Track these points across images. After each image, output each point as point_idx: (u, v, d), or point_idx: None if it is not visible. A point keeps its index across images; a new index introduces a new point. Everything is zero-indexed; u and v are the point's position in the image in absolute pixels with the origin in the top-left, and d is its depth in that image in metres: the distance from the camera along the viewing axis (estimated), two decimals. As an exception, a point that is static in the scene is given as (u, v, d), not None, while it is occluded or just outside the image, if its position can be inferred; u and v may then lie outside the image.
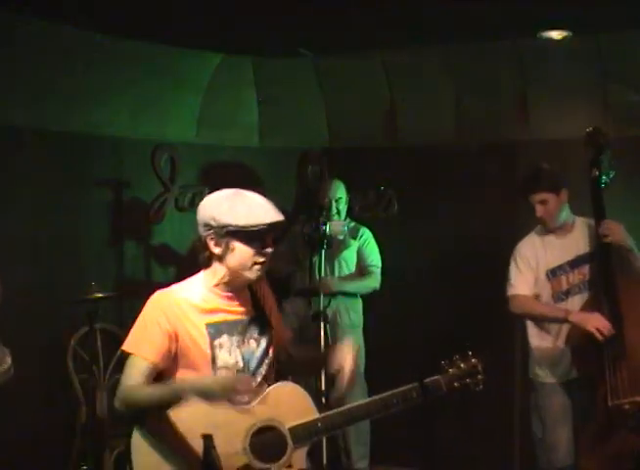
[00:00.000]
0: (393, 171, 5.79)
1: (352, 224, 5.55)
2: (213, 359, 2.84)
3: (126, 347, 2.88)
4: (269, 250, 2.83)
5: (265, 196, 6.15)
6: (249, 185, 6.08)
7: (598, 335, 3.93)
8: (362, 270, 5.48)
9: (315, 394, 4.94)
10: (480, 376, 3.05)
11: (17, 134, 5.09)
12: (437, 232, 5.68)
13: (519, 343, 5.43)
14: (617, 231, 4.05)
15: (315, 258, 5.08)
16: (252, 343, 2.92)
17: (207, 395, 2.69)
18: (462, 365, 3.05)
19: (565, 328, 4.17)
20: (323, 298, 4.99)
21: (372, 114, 5.89)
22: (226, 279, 2.87)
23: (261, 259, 2.83)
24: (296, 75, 5.87)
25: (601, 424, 4.02)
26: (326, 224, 5.02)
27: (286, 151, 6.02)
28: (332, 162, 5.96)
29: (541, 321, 4.25)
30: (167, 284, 5.81)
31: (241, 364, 2.86)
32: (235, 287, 2.90)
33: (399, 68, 5.70)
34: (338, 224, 5.26)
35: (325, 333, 4.95)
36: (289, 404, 2.84)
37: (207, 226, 2.89)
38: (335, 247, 5.17)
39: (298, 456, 2.81)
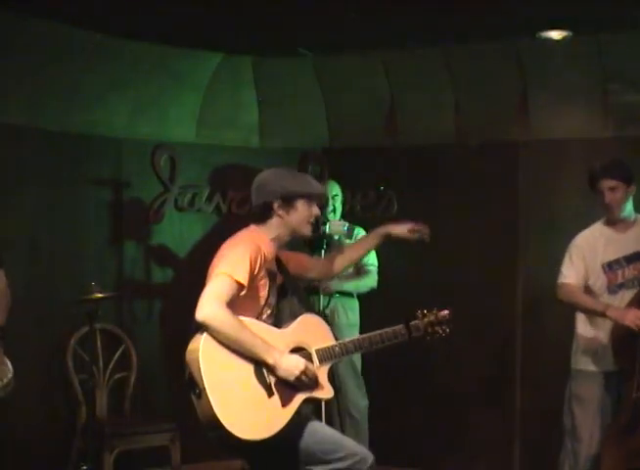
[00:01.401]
0: (393, 171, 5.79)
1: (347, 224, 5.54)
2: (267, 298, 3.45)
3: (225, 270, 3.31)
4: (318, 213, 3.56)
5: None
6: (249, 185, 6.13)
7: (635, 327, 3.98)
8: (359, 270, 5.48)
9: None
10: (448, 325, 3.63)
11: (16, 134, 5.10)
12: (437, 232, 5.67)
13: (519, 343, 5.44)
14: None
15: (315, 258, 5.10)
16: (275, 293, 3.52)
17: (283, 372, 3.26)
18: (433, 316, 3.63)
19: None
20: (322, 297, 5.01)
21: (372, 114, 5.89)
22: (281, 235, 3.50)
23: (313, 220, 3.54)
24: (296, 75, 5.87)
25: (628, 417, 4.05)
26: (326, 224, 5.03)
27: (286, 151, 6.01)
28: (332, 162, 5.96)
29: (584, 313, 4.29)
30: (167, 284, 5.86)
31: (273, 306, 3.47)
32: (282, 244, 3.55)
33: (399, 68, 5.70)
34: (338, 224, 5.26)
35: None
36: (314, 331, 3.47)
37: (276, 193, 3.46)
38: (332, 247, 5.17)
39: (322, 373, 3.40)
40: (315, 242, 5.05)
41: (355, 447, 3.40)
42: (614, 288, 4.27)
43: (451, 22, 4.89)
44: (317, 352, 3.42)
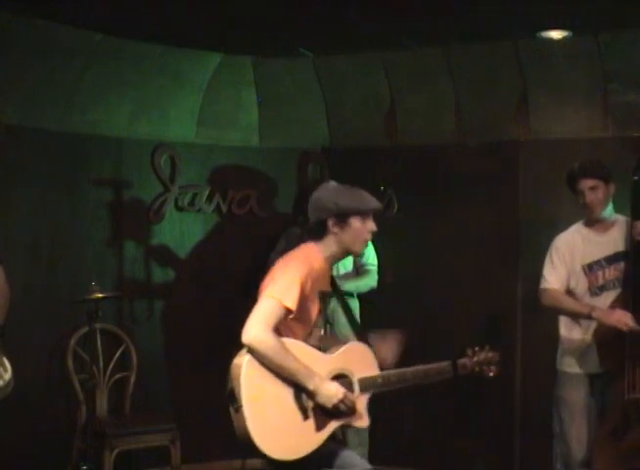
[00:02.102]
0: (393, 171, 5.79)
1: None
2: (316, 320, 3.47)
3: (274, 294, 3.30)
4: (375, 229, 3.51)
5: (266, 196, 6.19)
6: (249, 185, 6.15)
7: (621, 325, 3.98)
8: (358, 269, 5.48)
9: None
10: (495, 367, 3.66)
11: (16, 134, 5.10)
12: (437, 232, 5.68)
13: (519, 343, 5.44)
14: None
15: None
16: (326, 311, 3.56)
17: (322, 398, 3.27)
18: (483, 355, 3.65)
19: (594, 321, 4.21)
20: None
21: (372, 114, 5.89)
22: (335, 252, 3.48)
23: (369, 236, 3.51)
24: (296, 75, 5.87)
25: (617, 419, 4.05)
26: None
27: (286, 151, 6.02)
28: (332, 162, 5.96)
29: (569, 316, 4.29)
30: (167, 284, 5.87)
31: (322, 326, 3.53)
32: (335, 261, 3.55)
33: (399, 68, 5.70)
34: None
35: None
36: (359, 360, 3.45)
37: (329, 210, 3.43)
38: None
39: (360, 402, 3.39)
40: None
41: None
42: (595, 290, 4.27)
43: (451, 22, 4.89)
44: (359, 380, 3.41)
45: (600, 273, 4.27)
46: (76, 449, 5.05)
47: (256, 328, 3.27)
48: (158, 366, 5.70)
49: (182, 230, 5.81)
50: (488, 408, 5.49)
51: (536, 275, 4.38)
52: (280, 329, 3.31)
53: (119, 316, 5.54)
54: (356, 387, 3.39)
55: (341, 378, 3.37)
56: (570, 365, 4.30)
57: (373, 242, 5.49)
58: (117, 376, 5.36)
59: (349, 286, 5.44)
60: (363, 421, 3.42)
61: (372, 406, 5.59)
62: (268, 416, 3.23)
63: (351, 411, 3.34)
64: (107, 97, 5.41)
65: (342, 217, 3.44)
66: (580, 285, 4.28)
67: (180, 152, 5.73)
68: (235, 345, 6.04)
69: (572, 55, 5.24)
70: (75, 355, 5.21)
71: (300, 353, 3.30)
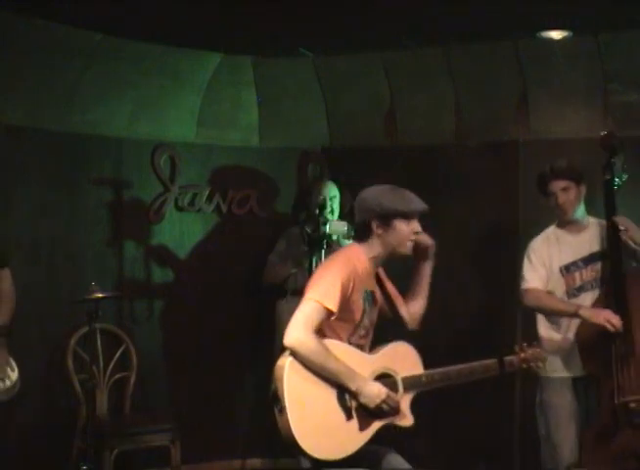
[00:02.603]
0: (393, 171, 5.78)
1: (347, 224, 5.54)
2: (360, 320, 3.45)
3: (315, 296, 3.32)
4: (419, 230, 3.54)
5: (266, 196, 6.20)
6: (249, 185, 6.15)
7: (610, 326, 3.97)
8: None
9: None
10: (541, 363, 3.65)
11: (16, 134, 5.10)
12: (437, 232, 5.66)
13: (519, 343, 5.44)
14: (631, 227, 4.11)
15: (315, 258, 5.09)
16: (374, 311, 3.55)
17: (365, 399, 3.29)
18: (530, 351, 3.63)
19: (575, 322, 4.19)
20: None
21: (372, 114, 5.88)
22: (381, 254, 3.49)
23: (414, 237, 3.52)
24: (296, 75, 5.87)
25: (606, 422, 4.04)
26: (326, 224, 5.03)
27: (286, 151, 6.02)
28: (332, 162, 5.96)
29: (553, 315, 4.28)
30: (167, 284, 5.87)
31: (367, 326, 3.50)
32: (381, 262, 3.55)
33: (399, 68, 5.69)
34: (339, 224, 5.26)
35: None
36: (403, 359, 3.46)
37: (373, 211, 3.47)
38: (332, 247, 5.17)
39: (405, 401, 3.41)
40: (315, 242, 5.05)
41: None
42: (573, 291, 4.27)
43: (451, 22, 4.89)
44: (403, 379, 3.42)
45: (577, 274, 4.28)
46: (76, 449, 5.05)
47: (297, 331, 3.28)
48: (158, 366, 5.70)
49: (182, 230, 5.81)
50: (488, 408, 5.49)
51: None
52: (324, 330, 3.34)
53: (119, 316, 5.55)
54: (400, 386, 3.41)
55: (384, 377, 3.39)
56: (553, 370, 4.26)
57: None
58: (117, 376, 5.36)
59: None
60: (407, 420, 3.43)
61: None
62: (311, 417, 3.26)
63: (395, 411, 3.36)
64: (107, 97, 5.41)
65: (386, 219, 3.46)
66: (558, 287, 4.29)
67: (180, 152, 5.73)
68: (235, 344, 6.08)
69: (572, 55, 5.24)
70: (75, 355, 5.21)
71: (343, 354, 3.32)
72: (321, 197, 5.43)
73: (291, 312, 5.41)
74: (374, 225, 3.46)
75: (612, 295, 4.11)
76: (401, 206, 3.50)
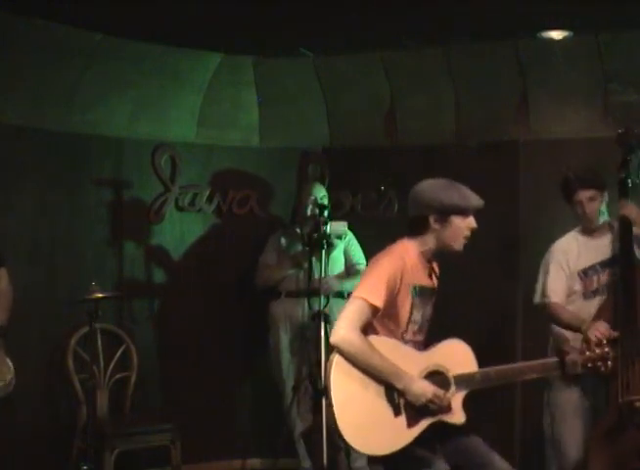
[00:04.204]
0: (393, 171, 5.79)
1: (347, 225, 5.55)
2: (410, 316, 3.44)
3: (360, 293, 3.32)
4: (475, 226, 3.52)
5: (266, 196, 6.20)
6: (249, 185, 6.15)
7: (593, 338, 3.94)
8: (348, 269, 5.49)
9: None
10: (609, 362, 3.51)
11: (16, 134, 5.10)
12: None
13: (520, 343, 5.44)
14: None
15: (315, 259, 5.09)
16: (429, 306, 3.54)
17: (411, 397, 3.29)
18: (597, 350, 3.51)
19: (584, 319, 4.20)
20: (322, 298, 5.01)
21: (372, 114, 5.88)
22: (432, 248, 3.47)
23: (469, 234, 3.50)
24: (296, 75, 5.87)
25: (611, 421, 4.04)
26: (326, 224, 5.03)
27: (286, 151, 6.02)
28: (332, 162, 5.96)
29: (563, 328, 4.27)
30: (167, 284, 5.87)
31: (420, 322, 3.48)
32: (433, 257, 3.52)
33: (399, 68, 5.70)
34: (338, 224, 5.27)
35: (325, 332, 4.95)
36: (457, 356, 3.44)
37: (431, 207, 3.43)
38: (331, 247, 5.18)
39: (456, 398, 3.39)
40: (315, 242, 5.05)
41: None
42: (589, 294, 4.26)
43: (451, 22, 4.89)
44: (456, 377, 3.40)
45: (595, 278, 4.26)
46: (76, 449, 5.05)
47: (343, 329, 3.28)
48: (158, 366, 5.70)
49: (182, 230, 5.81)
50: (488, 408, 5.48)
51: (537, 275, 4.38)
52: (375, 326, 3.35)
53: (119, 316, 5.55)
54: (452, 384, 3.39)
55: (436, 375, 3.38)
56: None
57: (360, 241, 5.55)
58: (118, 376, 5.36)
59: (349, 285, 5.45)
60: (458, 417, 3.42)
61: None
62: (358, 413, 3.26)
63: (444, 409, 3.35)
64: (107, 97, 5.41)
65: (444, 215, 3.44)
66: (574, 288, 4.27)
67: (180, 152, 5.73)
68: (235, 345, 6.07)
69: (572, 55, 5.24)
70: (75, 355, 5.21)
71: (393, 351, 3.32)
72: (311, 197, 5.44)
73: (286, 314, 5.48)
74: (431, 220, 3.44)
75: (619, 295, 4.10)
76: (460, 201, 3.47)
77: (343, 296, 5.45)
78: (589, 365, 3.49)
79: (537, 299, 4.36)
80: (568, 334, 4.29)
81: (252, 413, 5.90)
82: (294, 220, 5.72)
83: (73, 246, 5.38)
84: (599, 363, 3.50)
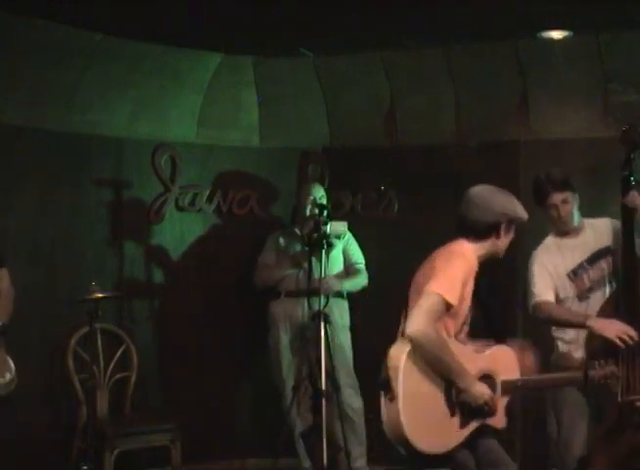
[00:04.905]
0: (393, 171, 5.79)
1: (347, 225, 5.55)
2: (466, 317, 3.53)
3: (438, 289, 3.35)
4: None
5: (266, 196, 6.18)
6: (249, 185, 6.15)
7: (619, 343, 3.94)
8: (348, 269, 5.49)
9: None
10: (616, 381, 3.78)
11: (16, 134, 5.10)
12: (437, 232, 5.65)
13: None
14: None
15: (314, 259, 5.09)
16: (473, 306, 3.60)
17: (470, 397, 3.35)
18: (608, 369, 3.64)
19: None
20: (322, 297, 5.01)
21: (372, 114, 5.88)
22: (487, 255, 3.56)
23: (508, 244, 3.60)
24: (296, 75, 5.87)
25: (612, 421, 4.04)
26: (326, 224, 5.03)
27: (286, 151, 6.02)
28: (332, 162, 5.96)
29: (564, 327, 4.27)
30: (167, 284, 5.86)
31: (469, 323, 3.57)
32: (482, 262, 3.57)
33: (399, 68, 5.69)
34: (338, 225, 5.27)
35: (325, 332, 4.96)
36: (505, 362, 3.52)
37: (506, 215, 3.53)
38: (331, 248, 5.19)
39: (501, 403, 3.48)
40: (315, 242, 5.06)
41: None
42: (584, 294, 4.25)
43: (451, 22, 4.89)
44: (502, 382, 3.48)
45: (585, 276, 4.26)
46: (76, 449, 5.05)
47: (421, 322, 3.29)
48: (158, 366, 5.70)
49: (182, 230, 5.81)
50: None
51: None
52: (436, 323, 3.37)
53: (119, 316, 5.54)
54: (498, 388, 3.46)
55: (485, 378, 3.44)
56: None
57: (359, 241, 5.55)
58: (117, 376, 5.36)
59: (349, 285, 5.46)
60: (501, 422, 3.50)
61: (372, 409, 5.59)
62: (420, 409, 3.29)
63: (493, 412, 3.42)
64: (107, 97, 5.41)
65: (511, 224, 3.55)
66: (568, 292, 4.27)
67: (180, 152, 5.73)
68: (235, 345, 6.07)
69: (572, 55, 5.24)
70: (75, 355, 5.21)
71: (453, 350, 3.36)
72: (311, 197, 5.44)
73: (286, 314, 5.48)
74: (502, 228, 3.52)
75: (622, 291, 4.10)
76: (524, 214, 3.59)
77: (343, 295, 5.46)
78: (602, 382, 3.63)
79: (529, 307, 4.35)
80: (568, 348, 4.28)
81: (252, 413, 5.90)
82: (293, 220, 5.73)
83: (73, 246, 5.38)
84: (609, 381, 3.67)
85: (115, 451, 4.94)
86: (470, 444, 3.44)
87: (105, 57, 5.22)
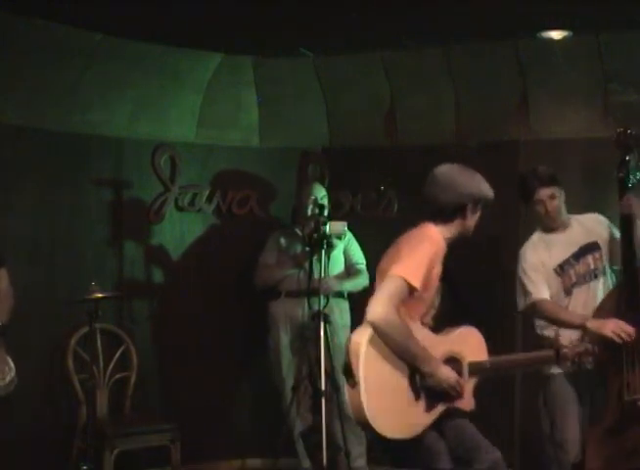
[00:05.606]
0: (393, 171, 5.79)
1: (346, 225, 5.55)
2: (432, 301, 3.50)
3: (401, 273, 3.30)
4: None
5: (266, 196, 6.19)
6: (249, 185, 6.15)
7: (617, 339, 3.95)
8: (348, 269, 5.50)
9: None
10: (593, 359, 3.75)
11: (16, 134, 5.10)
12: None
13: (519, 342, 5.44)
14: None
15: (315, 259, 5.09)
16: (440, 289, 3.58)
17: (435, 381, 3.32)
18: (583, 346, 3.64)
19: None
20: (322, 298, 5.01)
21: (372, 114, 5.88)
22: (455, 236, 3.52)
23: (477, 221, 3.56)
24: (296, 75, 5.87)
25: (613, 419, 4.04)
26: (326, 224, 5.03)
27: (286, 151, 6.02)
28: (332, 162, 5.96)
29: (561, 326, 4.27)
30: (167, 284, 5.87)
31: (436, 307, 3.56)
32: (450, 244, 3.52)
33: (399, 68, 5.70)
34: (338, 224, 5.27)
35: (325, 332, 4.96)
36: (471, 344, 3.50)
37: (471, 195, 3.49)
38: (331, 247, 5.19)
39: (468, 385, 3.45)
40: (315, 242, 5.05)
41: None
42: (568, 288, 4.29)
43: (451, 22, 4.89)
44: (469, 364, 3.46)
45: (572, 271, 4.30)
46: (76, 449, 5.05)
47: (382, 307, 3.26)
48: (158, 366, 5.70)
49: (182, 230, 5.81)
50: (488, 408, 5.48)
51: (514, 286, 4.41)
52: (399, 307, 3.32)
53: (119, 316, 5.55)
54: (465, 371, 3.44)
55: (451, 361, 3.42)
56: (555, 367, 4.26)
57: (359, 241, 5.55)
58: (117, 376, 5.36)
59: (349, 286, 5.46)
60: (469, 404, 3.48)
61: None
62: (383, 394, 3.26)
63: (459, 395, 3.40)
64: (107, 97, 5.41)
65: (478, 204, 3.51)
66: (554, 287, 4.29)
67: (180, 152, 5.73)
68: (235, 345, 6.07)
69: (572, 55, 5.24)
70: (75, 355, 5.21)
71: (416, 334, 3.33)
72: (312, 197, 5.44)
73: (286, 314, 5.48)
74: (468, 209, 3.49)
75: (624, 288, 4.10)
76: (489, 193, 3.55)
77: (343, 296, 5.46)
78: (576, 359, 3.61)
79: (521, 305, 4.37)
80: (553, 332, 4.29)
81: (252, 413, 5.90)
82: (294, 220, 5.73)
83: (73, 246, 5.38)
84: (584, 358, 3.63)
85: (115, 451, 4.95)
86: (438, 426, 3.42)
87: (105, 57, 5.22)
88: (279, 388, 5.49)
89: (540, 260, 4.32)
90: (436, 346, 3.39)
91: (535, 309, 4.30)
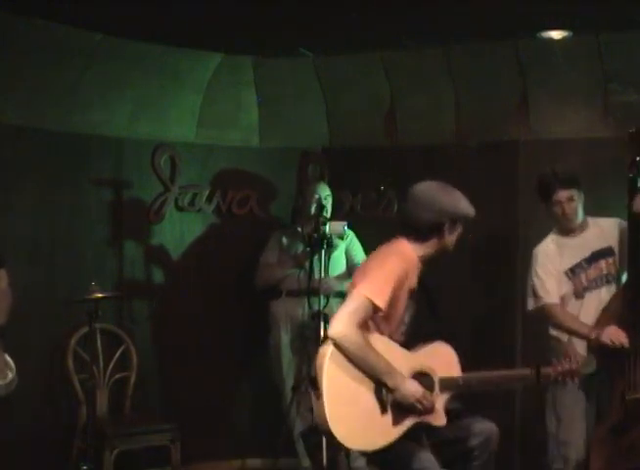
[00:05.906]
0: (393, 171, 5.79)
1: (346, 225, 5.55)
2: (402, 318, 3.52)
3: (365, 292, 3.34)
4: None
5: (266, 196, 6.19)
6: (249, 185, 6.15)
7: (610, 343, 3.97)
8: (350, 270, 5.49)
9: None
10: (576, 378, 3.65)
11: (16, 134, 5.10)
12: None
13: (519, 342, 5.44)
14: None
15: (315, 259, 5.09)
16: (413, 306, 3.57)
17: (399, 396, 3.35)
18: (567, 365, 3.59)
19: (584, 317, 4.22)
20: (322, 298, 5.01)
21: (372, 114, 5.88)
22: (431, 253, 3.54)
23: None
24: (296, 75, 5.87)
25: (617, 419, 4.05)
26: (326, 224, 5.03)
27: (286, 151, 6.02)
28: (332, 162, 5.96)
29: (568, 333, 4.28)
30: (167, 284, 5.87)
31: (407, 323, 3.54)
32: (426, 261, 3.55)
33: (399, 68, 5.70)
34: (338, 224, 5.26)
35: (325, 332, 4.95)
36: (442, 359, 3.50)
37: (449, 214, 3.49)
38: (331, 248, 5.18)
39: (439, 401, 3.46)
40: (315, 242, 5.05)
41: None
42: (580, 292, 4.29)
43: (451, 22, 4.89)
44: (440, 380, 3.47)
45: (583, 275, 4.31)
46: (76, 449, 5.05)
47: (342, 323, 3.33)
48: (157, 366, 5.70)
49: (182, 230, 5.81)
50: (488, 408, 5.48)
51: (524, 284, 4.41)
52: (368, 323, 3.39)
53: (119, 316, 5.54)
54: (436, 386, 3.46)
55: (422, 376, 3.45)
56: None
57: (359, 241, 5.55)
58: (117, 376, 5.36)
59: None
60: (439, 419, 3.47)
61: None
62: (347, 406, 3.32)
63: (429, 410, 3.42)
64: (107, 97, 5.41)
65: (456, 222, 3.53)
66: (565, 290, 4.30)
67: (180, 152, 5.73)
68: (235, 344, 6.07)
69: (572, 55, 5.24)
70: (75, 355, 5.21)
71: (385, 349, 3.37)
72: (316, 196, 5.44)
73: (287, 313, 5.48)
74: (445, 227, 3.50)
75: (629, 289, 4.11)
76: (468, 210, 3.56)
77: (344, 296, 5.45)
78: (559, 379, 3.60)
79: (531, 305, 4.38)
80: (563, 337, 4.30)
81: (252, 413, 5.90)
82: (293, 220, 5.73)
83: (73, 246, 5.38)
84: (567, 378, 3.61)
85: (115, 451, 4.94)
86: (436, 434, 3.46)
87: (105, 57, 5.22)
88: (279, 387, 5.49)
89: (552, 263, 4.32)
90: (405, 360, 3.43)
91: (544, 313, 4.31)
